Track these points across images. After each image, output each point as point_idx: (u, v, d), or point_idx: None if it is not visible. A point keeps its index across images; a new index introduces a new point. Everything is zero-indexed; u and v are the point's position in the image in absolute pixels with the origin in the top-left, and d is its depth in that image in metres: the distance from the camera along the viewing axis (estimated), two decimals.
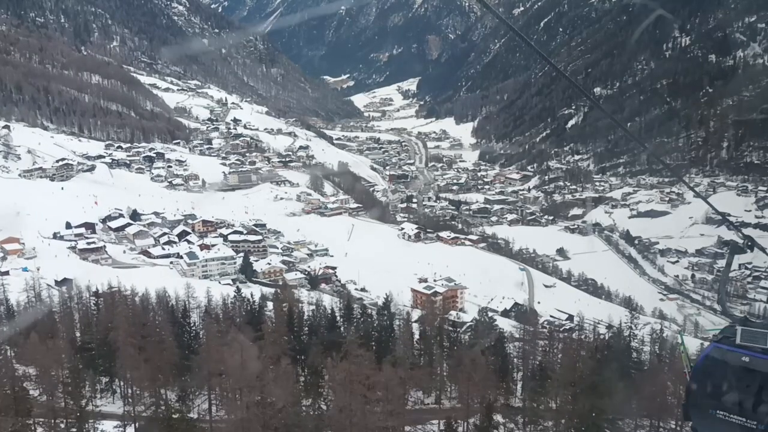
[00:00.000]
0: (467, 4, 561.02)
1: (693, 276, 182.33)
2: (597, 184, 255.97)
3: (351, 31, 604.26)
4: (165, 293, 57.87)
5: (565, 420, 35.03)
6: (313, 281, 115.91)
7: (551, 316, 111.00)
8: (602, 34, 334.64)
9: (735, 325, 5.86)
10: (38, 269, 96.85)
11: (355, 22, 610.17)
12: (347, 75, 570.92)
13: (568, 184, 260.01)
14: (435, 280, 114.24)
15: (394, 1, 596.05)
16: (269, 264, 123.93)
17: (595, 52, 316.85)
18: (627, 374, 40.62)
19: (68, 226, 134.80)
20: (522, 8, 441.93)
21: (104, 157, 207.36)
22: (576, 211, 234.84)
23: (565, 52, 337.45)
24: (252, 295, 58.99)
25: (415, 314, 76.24)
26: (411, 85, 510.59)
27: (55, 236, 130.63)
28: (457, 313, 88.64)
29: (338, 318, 54.56)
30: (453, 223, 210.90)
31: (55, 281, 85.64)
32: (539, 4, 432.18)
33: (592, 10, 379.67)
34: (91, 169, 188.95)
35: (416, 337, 54.92)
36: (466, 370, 37.68)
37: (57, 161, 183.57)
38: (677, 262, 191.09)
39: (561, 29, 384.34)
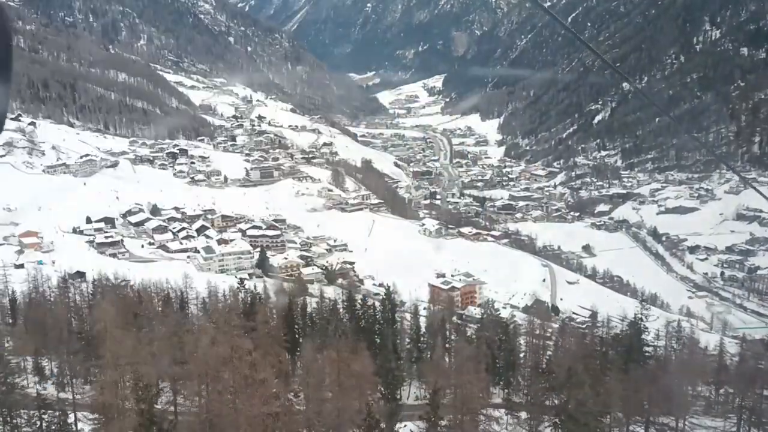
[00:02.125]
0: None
1: (722, 273, 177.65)
2: (624, 180, 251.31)
3: (377, 28, 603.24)
4: (167, 285, 57.06)
5: (547, 414, 33.05)
6: (330, 276, 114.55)
7: (573, 313, 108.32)
8: (631, 28, 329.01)
9: None
10: (53, 262, 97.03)
11: (380, 20, 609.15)
12: (373, 72, 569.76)
13: (595, 180, 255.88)
14: (453, 276, 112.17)
15: None
16: (286, 259, 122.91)
17: (624, 47, 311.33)
18: (625, 368, 38.28)
19: (88, 220, 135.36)
20: (549, 3, 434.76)
21: (128, 153, 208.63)
22: (603, 207, 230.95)
23: (593, 47, 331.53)
24: (255, 287, 57.97)
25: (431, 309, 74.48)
26: (437, 81, 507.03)
27: (74, 231, 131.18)
28: (475, 308, 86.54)
29: (341, 310, 53.17)
30: (477, 219, 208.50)
31: (69, 274, 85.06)
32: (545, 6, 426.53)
33: (620, 4, 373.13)
34: (114, 165, 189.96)
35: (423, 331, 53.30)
36: (439, 363, 35.63)
37: (81, 157, 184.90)
38: (706, 259, 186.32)
39: (589, 24, 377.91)
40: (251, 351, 25.56)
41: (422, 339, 52.08)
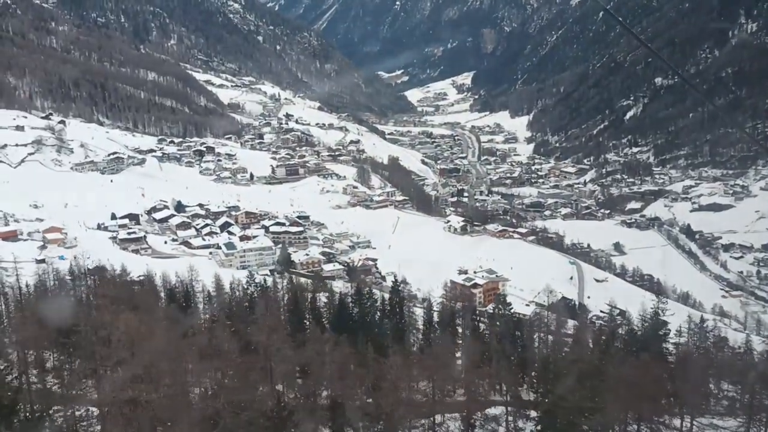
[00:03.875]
0: None
1: (758, 272, 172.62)
2: (656, 176, 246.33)
3: (406, 26, 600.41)
4: (177, 278, 56.52)
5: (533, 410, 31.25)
6: (352, 273, 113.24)
7: (601, 311, 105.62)
8: (663, 22, 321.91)
9: None
10: (75, 258, 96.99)
11: (409, 18, 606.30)
12: (401, 70, 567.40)
13: (626, 177, 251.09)
14: (475, 272, 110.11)
15: None
16: (307, 255, 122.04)
17: (656, 41, 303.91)
18: (632, 364, 35.98)
19: (113, 217, 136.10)
20: None
21: (155, 151, 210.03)
22: (634, 204, 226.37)
23: (625, 42, 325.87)
24: (265, 281, 57.22)
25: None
26: (465, 79, 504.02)
27: (99, 227, 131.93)
28: (496, 306, 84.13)
29: (350, 304, 51.93)
30: (504, 217, 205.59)
31: (88, 269, 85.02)
32: None
33: None
34: (142, 162, 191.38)
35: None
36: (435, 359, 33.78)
37: (108, 155, 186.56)
38: (741, 257, 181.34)
39: (621, 18, 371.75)
40: (105, 325, 23.99)
41: (433, 334, 50.64)
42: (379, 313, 50.49)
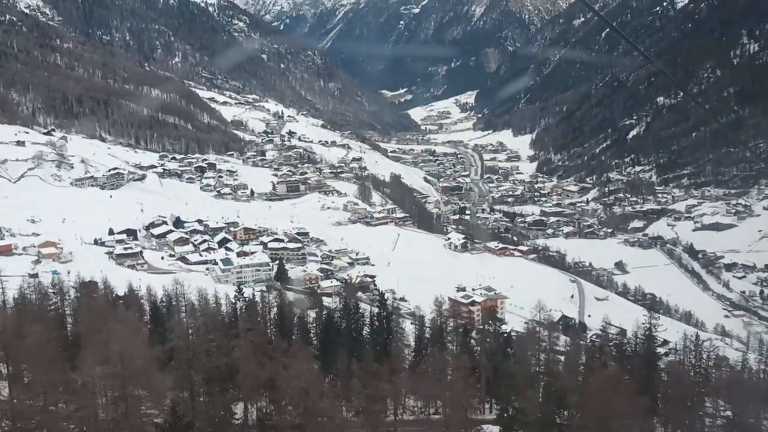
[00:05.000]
0: (527, 16, 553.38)
1: (761, 292, 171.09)
2: (659, 195, 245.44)
3: (409, 45, 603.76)
4: (165, 292, 55.90)
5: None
6: (350, 289, 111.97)
7: (600, 329, 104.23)
8: (666, 42, 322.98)
9: None
10: (68, 272, 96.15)
11: (413, 37, 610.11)
12: (405, 89, 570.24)
13: (629, 196, 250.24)
14: (474, 290, 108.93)
15: (452, 14, 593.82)
16: (305, 271, 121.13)
17: (659, 61, 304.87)
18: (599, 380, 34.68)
19: (111, 232, 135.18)
20: (582, 19, 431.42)
21: (157, 167, 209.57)
22: (636, 223, 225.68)
23: (628, 62, 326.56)
24: (253, 296, 56.52)
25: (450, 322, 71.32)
26: (469, 98, 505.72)
27: (96, 242, 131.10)
28: (486, 322, 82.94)
29: (337, 320, 50.99)
30: (506, 235, 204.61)
31: (79, 283, 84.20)
32: (601, 13, 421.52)
33: (655, 18, 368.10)
34: (142, 178, 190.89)
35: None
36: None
37: (109, 170, 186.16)
38: (744, 277, 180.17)
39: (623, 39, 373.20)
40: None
41: (424, 351, 49.66)
42: (367, 329, 49.61)
